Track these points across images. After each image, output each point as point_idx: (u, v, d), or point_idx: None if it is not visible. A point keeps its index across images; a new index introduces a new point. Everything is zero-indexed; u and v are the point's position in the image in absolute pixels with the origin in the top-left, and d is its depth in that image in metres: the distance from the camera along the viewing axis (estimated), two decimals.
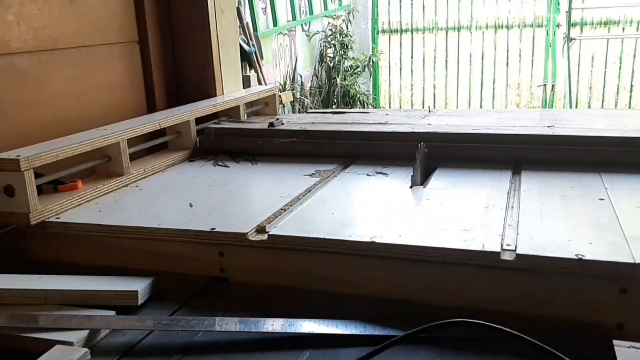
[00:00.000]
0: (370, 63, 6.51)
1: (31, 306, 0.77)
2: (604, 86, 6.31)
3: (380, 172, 1.16)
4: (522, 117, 1.55)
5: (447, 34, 6.34)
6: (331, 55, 6.13)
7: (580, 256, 0.71)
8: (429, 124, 1.47)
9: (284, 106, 1.88)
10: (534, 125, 1.34)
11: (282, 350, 0.69)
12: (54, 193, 1.03)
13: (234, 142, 1.38)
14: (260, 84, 4.02)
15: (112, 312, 0.76)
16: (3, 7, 1.11)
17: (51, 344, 0.67)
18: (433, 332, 0.67)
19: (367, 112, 1.72)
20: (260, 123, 1.46)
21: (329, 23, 6.26)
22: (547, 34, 6.22)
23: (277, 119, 1.43)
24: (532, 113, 1.68)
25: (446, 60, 6.37)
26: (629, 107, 5.63)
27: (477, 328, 0.65)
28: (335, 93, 5.91)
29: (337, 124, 1.43)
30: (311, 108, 5.00)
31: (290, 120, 1.57)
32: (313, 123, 1.46)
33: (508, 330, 0.63)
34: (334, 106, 5.41)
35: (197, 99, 1.54)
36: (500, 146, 1.19)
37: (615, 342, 0.64)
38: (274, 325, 0.71)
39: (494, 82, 6.51)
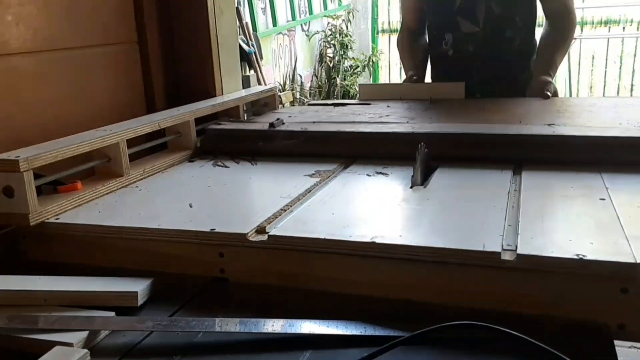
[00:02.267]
0: (370, 63, 6.51)
1: (30, 307, 0.77)
2: (605, 85, 6.30)
3: (381, 172, 1.15)
4: (524, 109, 1.55)
5: None
6: (331, 55, 6.12)
7: (581, 256, 0.71)
8: (430, 119, 1.47)
9: (283, 106, 1.89)
10: (535, 122, 1.34)
11: (282, 351, 0.68)
12: (53, 194, 1.03)
13: (234, 144, 1.38)
14: (260, 84, 4.02)
15: (112, 313, 0.75)
16: (2, 7, 1.11)
17: (51, 345, 0.67)
18: (435, 333, 0.66)
19: (369, 105, 1.72)
20: (261, 123, 1.46)
21: (328, 23, 6.25)
22: None
23: (278, 119, 1.43)
24: (533, 102, 1.68)
25: None
26: None
27: (483, 330, 0.65)
28: (335, 93, 5.91)
29: (337, 124, 1.43)
30: None
31: (292, 116, 1.56)
32: (314, 122, 1.46)
33: (517, 334, 0.63)
34: None
35: (196, 99, 1.54)
36: (501, 146, 1.19)
37: (616, 342, 0.64)
38: (274, 326, 0.71)
39: None
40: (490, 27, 1.84)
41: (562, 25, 1.85)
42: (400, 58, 2.17)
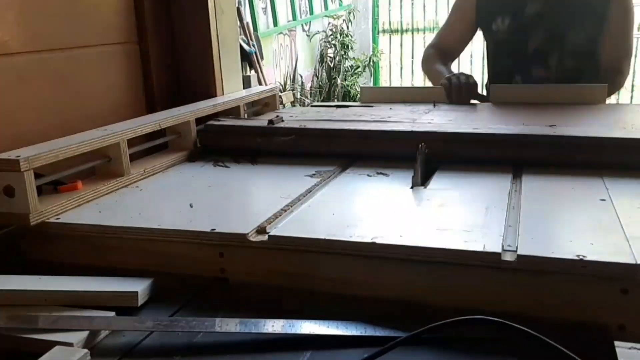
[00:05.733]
0: (371, 63, 6.50)
1: (31, 307, 0.77)
2: None
3: (381, 173, 1.15)
4: (525, 113, 1.55)
5: None
6: (332, 55, 6.12)
7: (581, 257, 0.71)
8: (432, 120, 1.47)
9: (284, 107, 1.89)
10: (536, 123, 1.34)
11: (282, 351, 0.68)
12: (54, 193, 1.03)
13: (233, 140, 1.37)
14: (260, 84, 4.02)
15: (112, 313, 0.75)
16: (2, 7, 1.11)
17: (51, 344, 0.67)
18: (436, 332, 0.66)
19: (372, 107, 1.71)
20: (261, 120, 1.46)
21: (329, 23, 6.25)
22: None
23: (277, 116, 1.43)
24: (536, 107, 1.67)
25: None
26: None
27: (483, 326, 0.65)
28: (336, 93, 5.91)
29: (338, 122, 1.43)
30: None
31: (293, 116, 1.56)
32: (314, 120, 1.45)
33: (517, 326, 0.63)
34: None
35: (197, 99, 1.54)
36: (501, 146, 1.19)
37: (616, 343, 0.64)
38: (275, 326, 0.71)
39: None
40: (560, 75, 1.85)
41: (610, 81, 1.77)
42: (430, 79, 2.09)
